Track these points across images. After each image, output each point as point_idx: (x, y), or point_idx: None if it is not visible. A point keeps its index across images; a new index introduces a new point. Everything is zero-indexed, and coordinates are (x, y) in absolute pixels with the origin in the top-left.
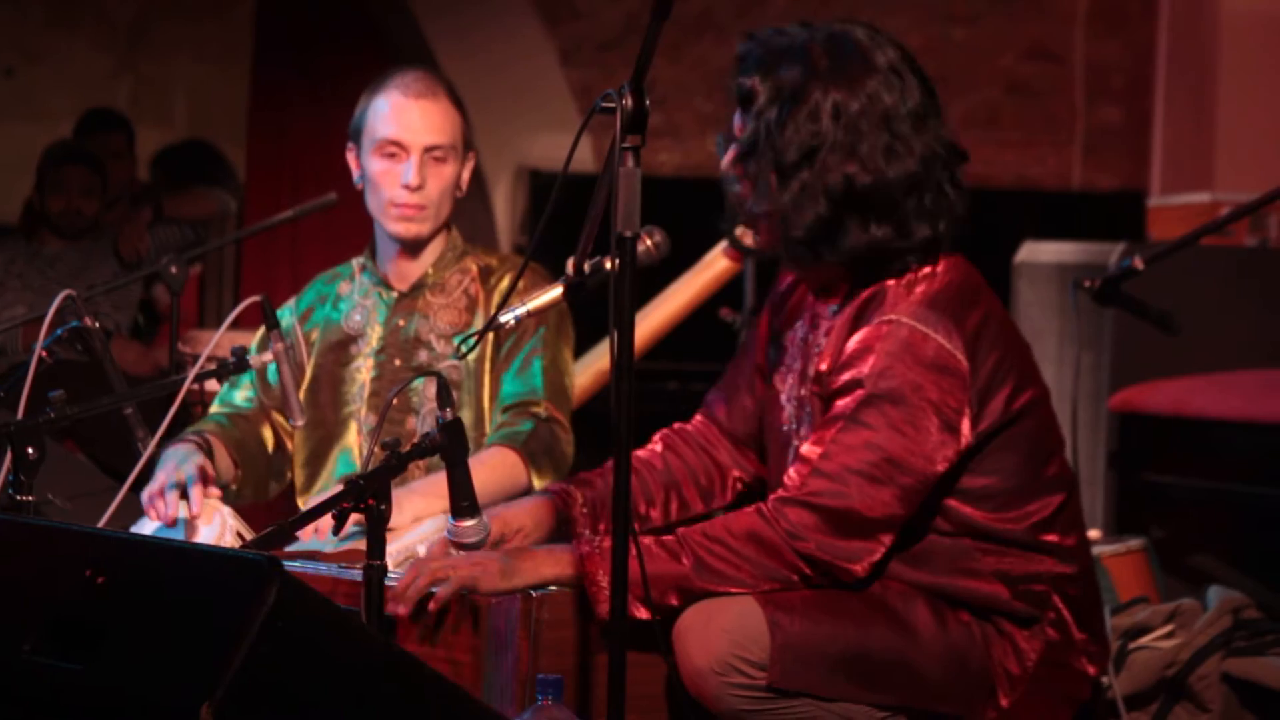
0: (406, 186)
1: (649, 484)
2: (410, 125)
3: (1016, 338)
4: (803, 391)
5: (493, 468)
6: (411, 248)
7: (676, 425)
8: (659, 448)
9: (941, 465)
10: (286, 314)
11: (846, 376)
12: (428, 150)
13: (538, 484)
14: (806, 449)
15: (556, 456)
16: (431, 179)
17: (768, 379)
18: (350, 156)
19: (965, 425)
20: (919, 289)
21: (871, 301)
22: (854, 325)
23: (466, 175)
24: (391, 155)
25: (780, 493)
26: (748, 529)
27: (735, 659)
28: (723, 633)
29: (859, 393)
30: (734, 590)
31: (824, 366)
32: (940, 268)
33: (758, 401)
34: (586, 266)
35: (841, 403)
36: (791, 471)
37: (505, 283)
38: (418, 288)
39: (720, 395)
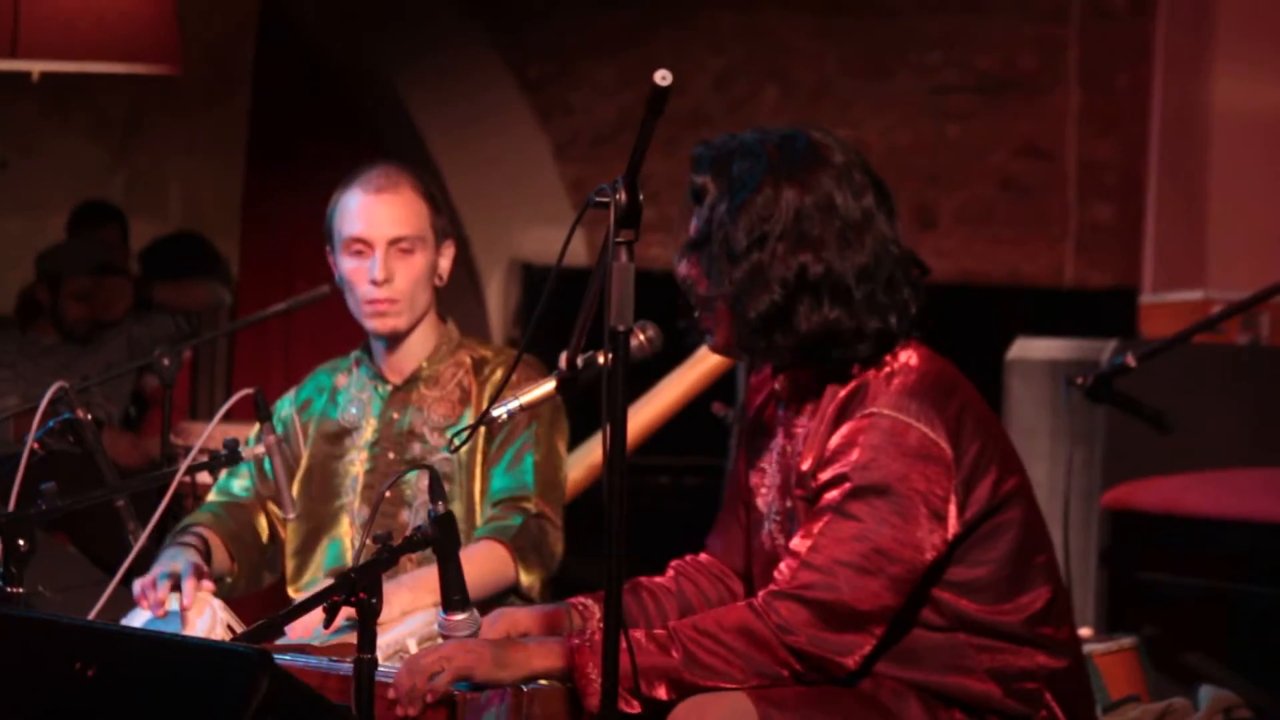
0: (374, 281)
1: (666, 609)
2: (373, 220)
3: (996, 426)
4: (787, 504)
5: (480, 561)
6: (395, 342)
7: (688, 556)
8: (671, 575)
9: (930, 554)
10: (286, 404)
11: (831, 472)
12: (392, 243)
13: (525, 579)
14: (795, 543)
15: (545, 553)
16: (399, 272)
17: (751, 506)
18: (329, 258)
19: (952, 512)
20: (896, 381)
21: (854, 397)
22: (837, 422)
23: (445, 264)
24: (359, 252)
25: (771, 586)
26: (739, 623)
27: None
28: None
29: (845, 485)
30: (724, 685)
31: (806, 466)
32: (914, 360)
33: (746, 531)
34: (580, 361)
35: (828, 496)
36: (782, 565)
37: (499, 375)
38: (412, 380)
39: (716, 536)
